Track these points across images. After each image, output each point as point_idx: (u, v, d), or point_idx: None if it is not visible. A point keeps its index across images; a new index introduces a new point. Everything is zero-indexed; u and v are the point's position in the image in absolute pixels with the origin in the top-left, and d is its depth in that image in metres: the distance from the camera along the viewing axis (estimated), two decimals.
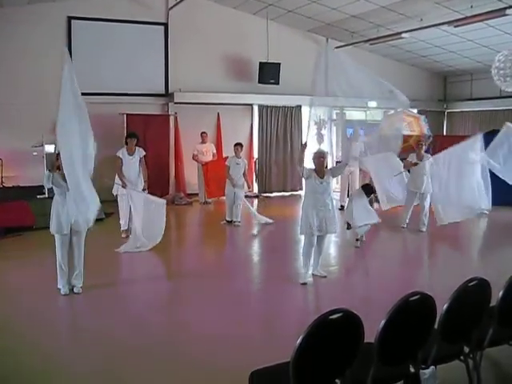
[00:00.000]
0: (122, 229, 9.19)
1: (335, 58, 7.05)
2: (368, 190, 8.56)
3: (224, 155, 13.91)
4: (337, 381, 3.06)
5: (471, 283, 3.40)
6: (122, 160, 8.90)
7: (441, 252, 9.13)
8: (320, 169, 6.60)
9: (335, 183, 15.59)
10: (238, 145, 10.80)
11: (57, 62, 12.39)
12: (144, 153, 9.12)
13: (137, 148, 9.09)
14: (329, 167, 6.88)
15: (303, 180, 6.94)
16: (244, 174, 10.58)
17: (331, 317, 2.84)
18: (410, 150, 11.53)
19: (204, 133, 13.32)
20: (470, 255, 8.92)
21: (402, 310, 3.05)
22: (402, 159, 10.97)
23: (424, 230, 9.84)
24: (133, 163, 8.96)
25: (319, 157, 6.59)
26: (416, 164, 9.87)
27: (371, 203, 8.61)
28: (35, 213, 9.45)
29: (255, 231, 10.39)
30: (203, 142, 13.26)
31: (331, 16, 13.23)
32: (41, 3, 12.24)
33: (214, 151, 13.44)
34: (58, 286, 6.20)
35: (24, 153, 11.14)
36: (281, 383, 2.96)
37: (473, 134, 13.98)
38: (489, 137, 13.87)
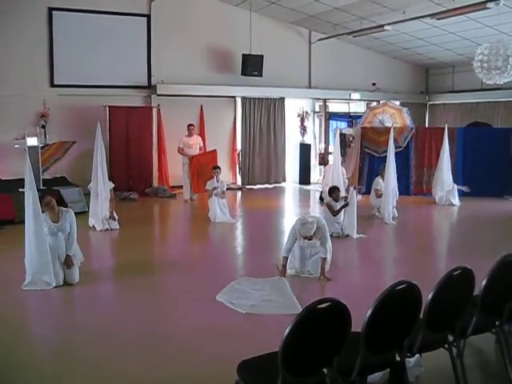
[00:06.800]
0: None
1: None
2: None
3: (208, 148, 13.84)
4: (324, 370, 3.10)
5: (455, 272, 3.45)
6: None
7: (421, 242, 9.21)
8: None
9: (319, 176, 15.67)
10: (217, 168, 10.34)
11: (37, 54, 12.46)
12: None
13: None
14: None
15: None
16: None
17: (319, 306, 2.88)
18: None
19: (191, 125, 12.77)
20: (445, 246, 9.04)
21: (388, 299, 3.09)
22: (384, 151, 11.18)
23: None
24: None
25: (305, 236, 6.42)
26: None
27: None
28: (17, 207, 9.30)
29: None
30: (190, 134, 12.64)
31: (314, 8, 13.24)
32: None
33: (202, 144, 12.89)
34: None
35: (5, 146, 10.99)
36: (269, 373, 2.99)
37: (454, 125, 14.19)
38: (469, 129, 14.10)
